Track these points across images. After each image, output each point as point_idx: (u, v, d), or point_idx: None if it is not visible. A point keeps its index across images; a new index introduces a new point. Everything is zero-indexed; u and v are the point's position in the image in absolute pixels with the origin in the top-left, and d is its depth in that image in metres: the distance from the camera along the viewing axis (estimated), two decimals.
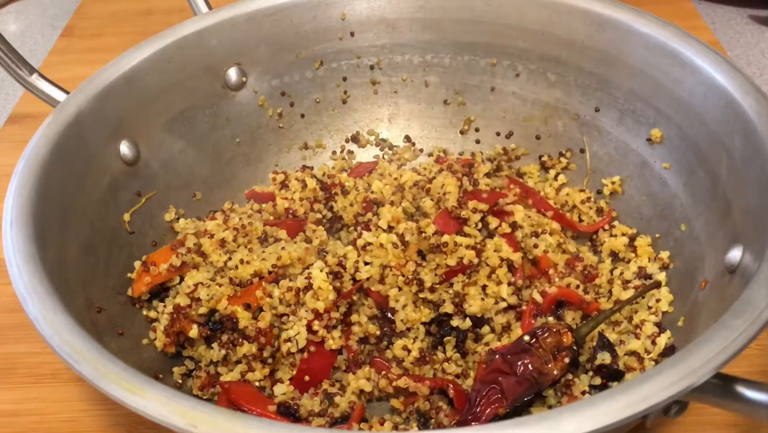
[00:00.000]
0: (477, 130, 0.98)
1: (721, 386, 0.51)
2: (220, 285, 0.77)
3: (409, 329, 0.76)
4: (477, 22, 0.94)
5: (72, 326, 0.56)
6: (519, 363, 0.68)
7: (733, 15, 1.36)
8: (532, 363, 0.68)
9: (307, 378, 0.74)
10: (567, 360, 0.68)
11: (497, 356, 0.70)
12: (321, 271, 0.76)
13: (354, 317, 0.77)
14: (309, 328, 0.74)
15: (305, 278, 0.76)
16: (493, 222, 0.80)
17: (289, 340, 0.74)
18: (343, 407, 0.71)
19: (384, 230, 0.79)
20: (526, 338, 0.70)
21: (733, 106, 0.73)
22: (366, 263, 0.77)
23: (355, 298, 0.77)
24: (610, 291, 0.80)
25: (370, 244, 0.77)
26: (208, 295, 0.76)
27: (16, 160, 0.71)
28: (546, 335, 0.69)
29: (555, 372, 0.68)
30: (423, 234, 0.77)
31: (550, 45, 0.91)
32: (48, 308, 0.57)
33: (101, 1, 1.42)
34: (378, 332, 0.76)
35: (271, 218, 0.89)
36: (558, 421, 0.47)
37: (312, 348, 0.75)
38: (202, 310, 0.75)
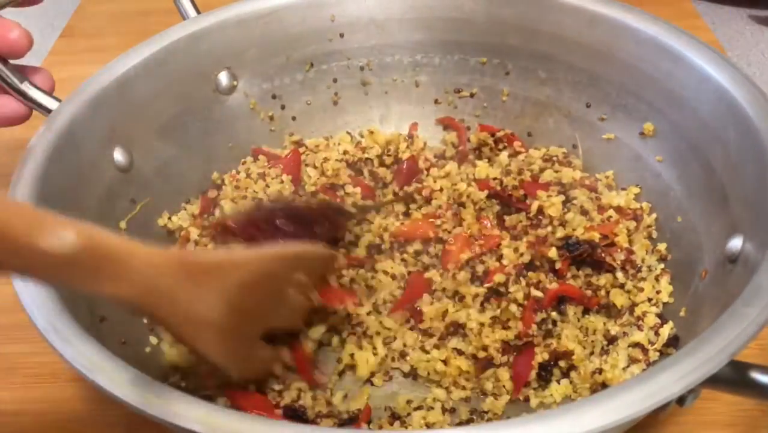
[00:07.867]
0: (468, 128, 0.98)
1: (734, 373, 0.52)
2: None
3: None
4: (466, 21, 0.94)
5: (81, 335, 0.55)
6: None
7: (733, 15, 1.37)
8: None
9: None
10: None
11: None
12: None
13: None
14: None
15: None
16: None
17: None
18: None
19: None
20: None
21: (726, 97, 0.74)
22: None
23: None
24: None
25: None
26: None
27: (16, 159, 0.70)
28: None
29: None
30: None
31: (540, 42, 0.91)
32: (57, 319, 0.56)
33: (101, 2, 1.40)
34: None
35: None
36: (579, 414, 0.48)
37: None
38: None
